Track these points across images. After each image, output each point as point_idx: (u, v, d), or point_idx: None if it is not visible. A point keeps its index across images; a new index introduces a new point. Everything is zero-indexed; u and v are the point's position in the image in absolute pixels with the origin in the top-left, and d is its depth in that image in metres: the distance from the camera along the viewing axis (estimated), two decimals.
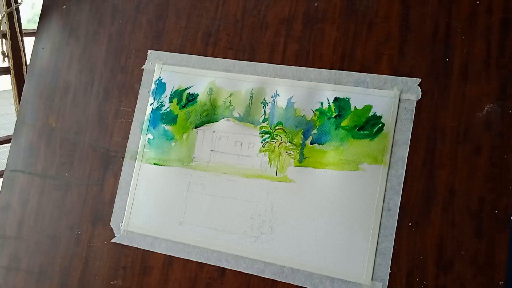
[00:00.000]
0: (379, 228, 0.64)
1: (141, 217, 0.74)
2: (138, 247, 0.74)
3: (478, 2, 0.65)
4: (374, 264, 0.64)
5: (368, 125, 0.67)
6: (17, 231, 0.81)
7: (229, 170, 0.71)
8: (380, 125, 0.66)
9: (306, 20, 0.71)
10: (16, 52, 0.92)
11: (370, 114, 0.67)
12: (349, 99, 0.68)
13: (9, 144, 0.86)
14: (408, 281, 0.63)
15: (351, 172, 0.66)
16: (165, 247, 0.72)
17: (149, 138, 0.76)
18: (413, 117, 0.65)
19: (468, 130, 0.64)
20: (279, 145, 0.70)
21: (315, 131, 0.69)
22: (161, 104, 0.76)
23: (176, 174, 0.73)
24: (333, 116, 0.68)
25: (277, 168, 0.69)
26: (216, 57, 0.75)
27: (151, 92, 0.77)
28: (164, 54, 0.77)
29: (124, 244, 0.74)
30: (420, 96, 0.65)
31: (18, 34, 0.91)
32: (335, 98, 0.69)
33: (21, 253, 0.80)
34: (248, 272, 0.69)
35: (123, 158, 0.76)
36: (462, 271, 0.62)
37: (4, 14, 0.88)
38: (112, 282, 0.74)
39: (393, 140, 0.65)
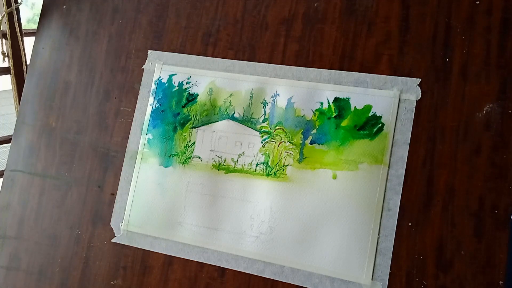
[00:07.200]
0: (379, 228, 0.64)
1: (141, 217, 0.74)
2: (138, 247, 0.74)
3: (478, 2, 0.65)
4: (374, 264, 0.64)
5: (368, 125, 0.67)
6: (17, 231, 0.81)
7: (229, 170, 0.71)
8: (380, 125, 0.66)
9: (306, 20, 0.71)
10: (16, 52, 0.92)
11: (370, 114, 0.67)
12: (349, 99, 0.68)
13: (9, 144, 0.86)
14: (408, 281, 0.63)
15: (351, 172, 0.66)
16: (165, 247, 0.72)
17: (149, 138, 0.76)
18: (413, 117, 0.65)
19: (468, 130, 0.64)
20: (278, 145, 0.70)
21: (314, 131, 0.69)
22: (161, 104, 0.76)
23: (176, 174, 0.73)
24: (333, 116, 0.68)
25: (276, 168, 0.69)
26: (216, 57, 0.75)
27: (151, 92, 0.77)
28: (164, 54, 0.77)
29: (124, 244, 0.74)
30: (420, 96, 0.65)
31: (18, 34, 0.91)
32: (335, 98, 0.69)
33: (21, 253, 0.80)
34: (248, 272, 0.69)
35: (123, 158, 0.76)
36: (462, 271, 0.62)
37: (4, 14, 0.88)
38: (112, 282, 0.74)
39: (393, 140, 0.65)
